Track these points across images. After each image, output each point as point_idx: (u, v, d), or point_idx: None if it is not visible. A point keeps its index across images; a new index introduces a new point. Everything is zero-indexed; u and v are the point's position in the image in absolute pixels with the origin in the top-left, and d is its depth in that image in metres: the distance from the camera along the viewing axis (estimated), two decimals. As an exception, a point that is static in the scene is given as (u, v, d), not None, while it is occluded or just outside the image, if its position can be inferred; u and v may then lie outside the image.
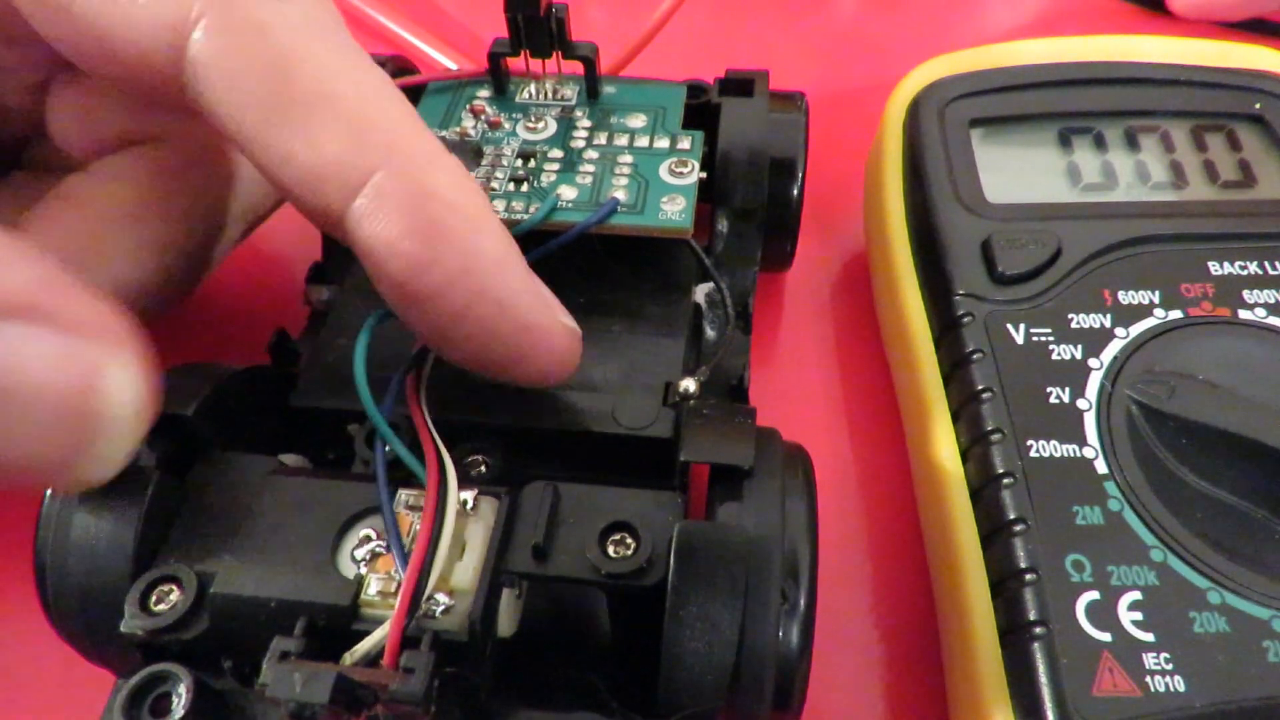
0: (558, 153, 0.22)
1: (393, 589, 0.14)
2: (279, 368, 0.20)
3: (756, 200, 0.23)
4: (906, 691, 0.20)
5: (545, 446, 0.18)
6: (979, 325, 0.20)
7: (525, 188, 0.21)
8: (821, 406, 0.24)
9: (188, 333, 0.26)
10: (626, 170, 0.21)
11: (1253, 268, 0.20)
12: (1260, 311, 0.20)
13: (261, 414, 0.18)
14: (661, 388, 0.18)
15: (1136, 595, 0.16)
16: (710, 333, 0.22)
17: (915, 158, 0.23)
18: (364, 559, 0.15)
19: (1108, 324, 0.20)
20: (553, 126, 0.23)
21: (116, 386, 0.14)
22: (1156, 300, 0.20)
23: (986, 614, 0.17)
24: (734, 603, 0.14)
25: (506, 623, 0.15)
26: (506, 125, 0.23)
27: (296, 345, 0.20)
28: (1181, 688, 0.15)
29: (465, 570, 0.15)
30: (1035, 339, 0.20)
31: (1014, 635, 0.17)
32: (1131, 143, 0.23)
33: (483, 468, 0.17)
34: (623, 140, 0.22)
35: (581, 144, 0.22)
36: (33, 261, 0.14)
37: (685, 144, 0.22)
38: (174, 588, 0.15)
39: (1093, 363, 0.19)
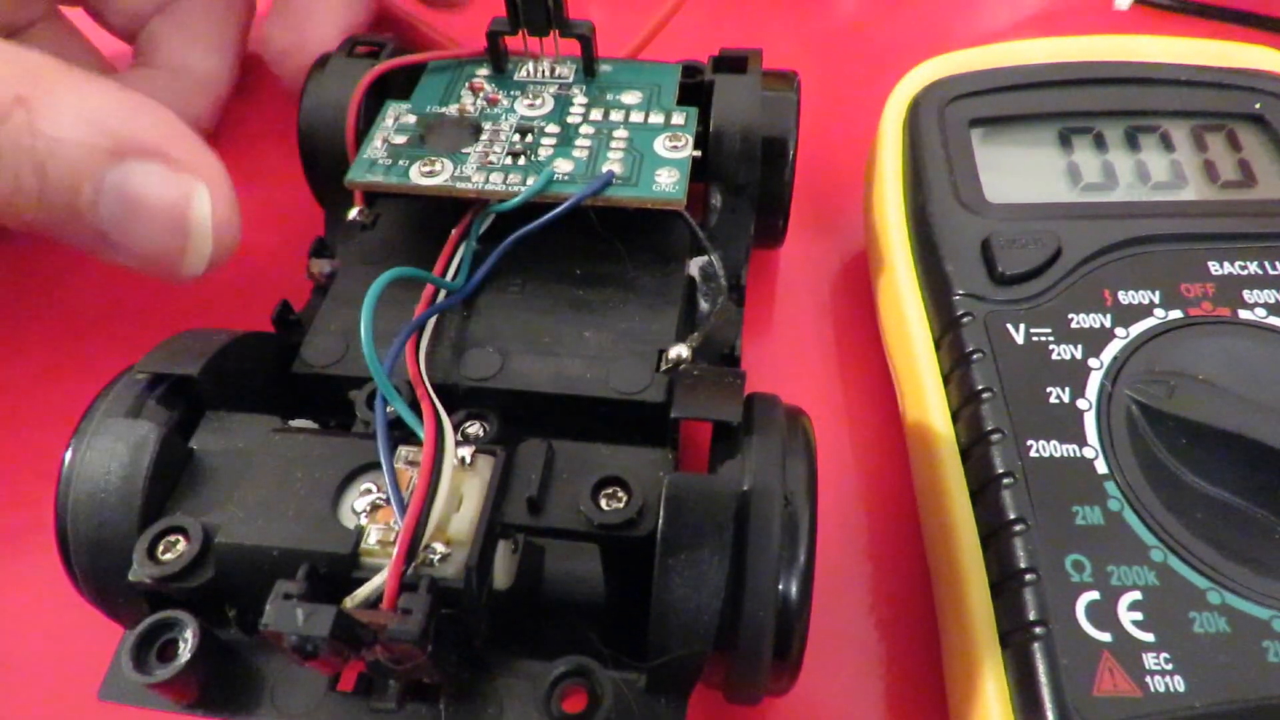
0: (555, 128, 0.22)
1: (392, 539, 0.15)
2: (282, 337, 0.20)
3: (749, 174, 0.23)
4: (906, 691, 0.20)
5: (541, 411, 0.18)
6: (979, 325, 0.20)
7: (522, 161, 0.21)
8: (821, 406, 0.24)
9: (194, 304, 0.26)
10: (621, 145, 0.22)
11: (1253, 268, 0.20)
12: (1260, 311, 0.20)
13: (264, 379, 0.19)
14: (655, 355, 0.19)
15: (1136, 595, 0.16)
16: (704, 305, 0.22)
17: (915, 158, 0.23)
18: (364, 510, 0.15)
19: (1108, 324, 0.20)
20: (550, 103, 0.23)
21: (198, 205, 0.20)
22: (1156, 300, 0.20)
23: (986, 614, 0.17)
24: (721, 551, 0.15)
25: (502, 575, 0.16)
26: (505, 102, 0.23)
27: (299, 316, 0.21)
28: (1181, 688, 0.15)
29: (462, 521, 0.15)
30: (1035, 339, 0.20)
31: (1014, 635, 0.17)
32: (1131, 143, 0.23)
33: (480, 431, 0.17)
34: (618, 116, 0.23)
35: (578, 120, 0.22)
36: (161, 117, 0.20)
37: (679, 119, 0.22)
38: (180, 538, 0.15)
39: (1093, 363, 0.19)
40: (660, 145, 0.22)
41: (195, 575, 0.15)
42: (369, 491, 0.15)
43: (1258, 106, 0.23)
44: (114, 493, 0.16)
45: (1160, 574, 0.17)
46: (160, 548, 0.15)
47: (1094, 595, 0.16)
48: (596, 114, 0.23)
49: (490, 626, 0.15)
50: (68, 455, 0.17)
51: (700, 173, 0.23)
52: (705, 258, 0.22)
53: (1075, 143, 0.23)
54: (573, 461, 0.16)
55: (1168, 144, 0.23)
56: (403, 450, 0.16)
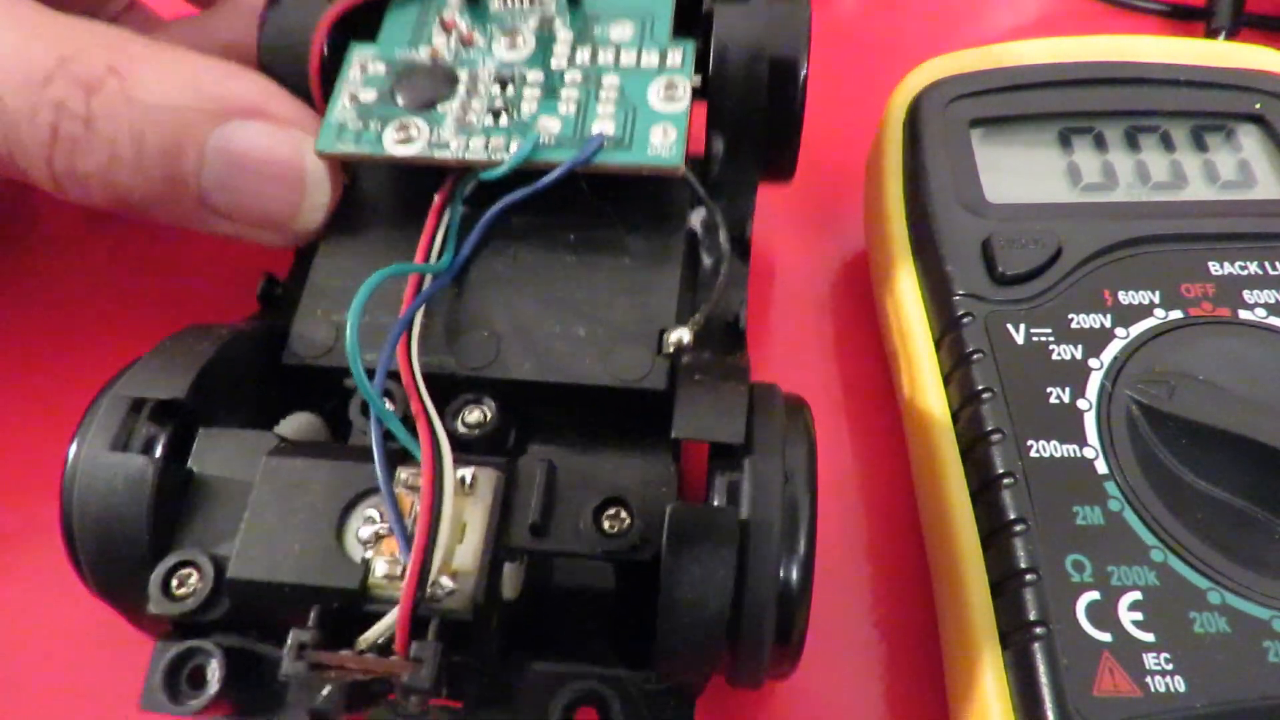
0: (537, 74, 0.20)
1: (398, 572, 0.15)
2: (269, 312, 0.20)
3: (755, 102, 0.21)
4: (907, 691, 0.20)
5: (540, 399, 0.18)
6: (979, 325, 0.20)
7: (504, 120, 0.20)
8: (821, 406, 0.24)
9: (181, 271, 0.26)
10: (613, 95, 0.20)
11: (1253, 268, 0.20)
12: (1260, 311, 0.20)
13: (256, 375, 0.18)
14: (655, 335, 0.18)
15: (1137, 595, 0.16)
16: (707, 260, 0.21)
17: (915, 158, 0.23)
18: (369, 540, 0.15)
19: (1108, 324, 0.20)
20: (531, 43, 0.21)
21: (312, 157, 0.20)
22: (1156, 300, 0.20)
23: (986, 614, 0.17)
24: (726, 579, 0.15)
25: (509, 587, 0.16)
26: (480, 41, 0.21)
27: (284, 287, 0.20)
28: (1182, 688, 0.15)
29: (466, 552, 0.15)
30: (1035, 339, 0.20)
31: (1014, 635, 0.17)
32: (1131, 143, 0.23)
33: (480, 416, 0.17)
34: (608, 56, 0.20)
35: (563, 63, 0.20)
36: (255, 78, 0.20)
37: (676, 58, 0.20)
38: (193, 571, 0.16)
39: (1093, 363, 0.19)
40: (655, 95, 0.20)
41: (212, 609, 0.15)
42: (372, 520, 0.15)
43: (1258, 106, 0.23)
44: (120, 531, 0.16)
45: (1160, 574, 0.17)
46: (174, 582, 0.16)
47: (1094, 595, 0.16)
48: (583, 54, 0.20)
49: (500, 636, 0.15)
50: (67, 488, 0.16)
51: (700, 94, 0.21)
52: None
53: (1075, 143, 0.23)
54: (574, 478, 0.16)
55: (1168, 144, 0.23)
56: (402, 474, 0.16)
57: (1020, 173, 0.23)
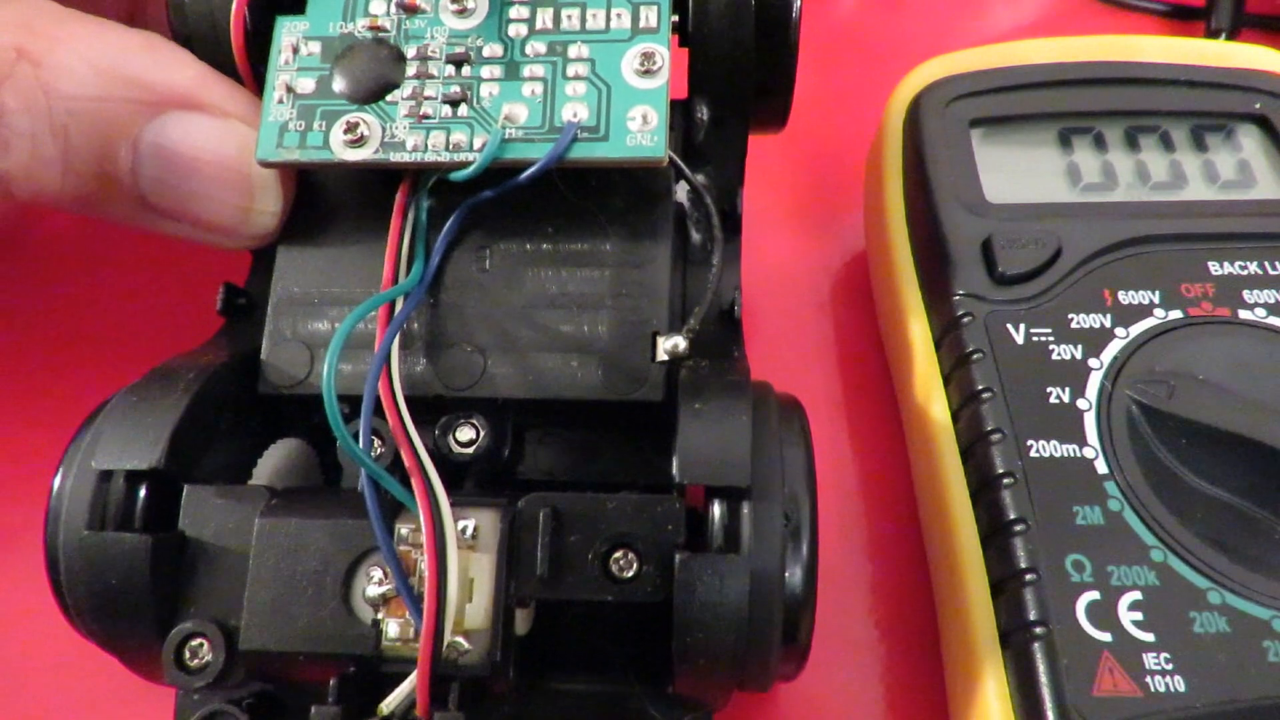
0: (495, 48, 0.18)
1: (411, 634, 0.15)
2: (236, 325, 0.19)
3: (742, 49, 0.19)
4: (907, 691, 0.20)
5: (532, 413, 0.18)
6: (979, 325, 0.20)
7: (464, 110, 0.18)
8: (821, 407, 0.24)
9: (175, 264, 0.25)
10: (582, 72, 0.18)
11: (1253, 268, 0.20)
12: (1260, 311, 0.20)
13: (235, 408, 0.18)
14: (649, 338, 0.17)
15: (1137, 595, 0.16)
16: (696, 235, 0.20)
17: (915, 158, 0.23)
18: (376, 600, 0.15)
19: (1108, 324, 0.20)
20: (484, 6, 0.18)
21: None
22: (1156, 300, 0.20)
23: (986, 614, 0.17)
24: (738, 630, 0.15)
25: (521, 624, 0.16)
26: (425, 6, 0.18)
27: (247, 294, 0.19)
28: (1182, 688, 0.15)
29: (477, 611, 0.15)
30: (1035, 339, 0.20)
31: (1014, 635, 0.17)
32: (1131, 143, 0.23)
33: (472, 434, 0.17)
34: (573, 20, 0.18)
35: (523, 30, 0.18)
36: (186, 60, 0.18)
37: (650, 19, 0.18)
38: (203, 641, 0.15)
39: (1093, 363, 0.19)
40: (630, 69, 0.18)
41: (229, 677, 0.15)
42: (378, 581, 0.15)
43: (1258, 106, 0.23)
44: (122, 611, 0.15)
45: (1160, 574, 0.17)
46: (186, 654, 0.15)
47: (1094, 595, 0.16)
48: (544, 16, 0.18)
49: (517, 669, 0.15)
50: (53, 566, 0.16)
51: (681, 38, 0.19)
52: (697, 177, 0.19)
53: (1075, 143, 0.23)
54: (578, 520, 0.15)
55: (1168, 144, 0.23)
56: (402, 529, 0.15)
57: (1020, 173, 0.23)
